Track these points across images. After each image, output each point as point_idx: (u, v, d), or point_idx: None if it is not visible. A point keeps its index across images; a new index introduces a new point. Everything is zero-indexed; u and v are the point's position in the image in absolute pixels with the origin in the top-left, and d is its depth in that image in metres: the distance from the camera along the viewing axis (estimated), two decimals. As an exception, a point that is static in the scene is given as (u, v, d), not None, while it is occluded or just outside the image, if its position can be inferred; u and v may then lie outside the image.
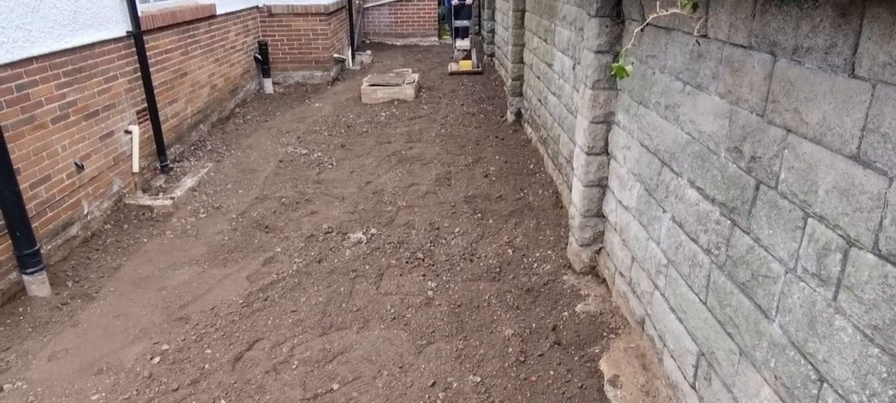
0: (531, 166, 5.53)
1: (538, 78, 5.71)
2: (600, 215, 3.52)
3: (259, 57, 8.67)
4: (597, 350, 2.95)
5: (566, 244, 3.99)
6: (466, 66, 9.34)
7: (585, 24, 3.37)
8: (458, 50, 10.56)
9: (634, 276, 3.00)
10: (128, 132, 4.96)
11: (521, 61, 6.71)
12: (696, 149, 2.30)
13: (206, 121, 6.82)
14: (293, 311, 3.39)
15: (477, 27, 10.83)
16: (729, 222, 2.05)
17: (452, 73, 9.27)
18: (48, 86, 3.96)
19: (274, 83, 9.08)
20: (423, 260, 3.92)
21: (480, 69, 9.37)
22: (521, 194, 4.93)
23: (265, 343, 3.11)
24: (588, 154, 3.41)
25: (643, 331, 2.91)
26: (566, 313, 3.28)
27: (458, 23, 10.93)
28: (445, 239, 4.21)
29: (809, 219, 1.62)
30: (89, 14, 4.43)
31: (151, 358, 3.02)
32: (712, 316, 2.18)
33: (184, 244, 4.28)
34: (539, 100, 5.68)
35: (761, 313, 1.86)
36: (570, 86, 4.35)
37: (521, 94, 6.80)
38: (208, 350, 3.07)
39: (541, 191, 4.94)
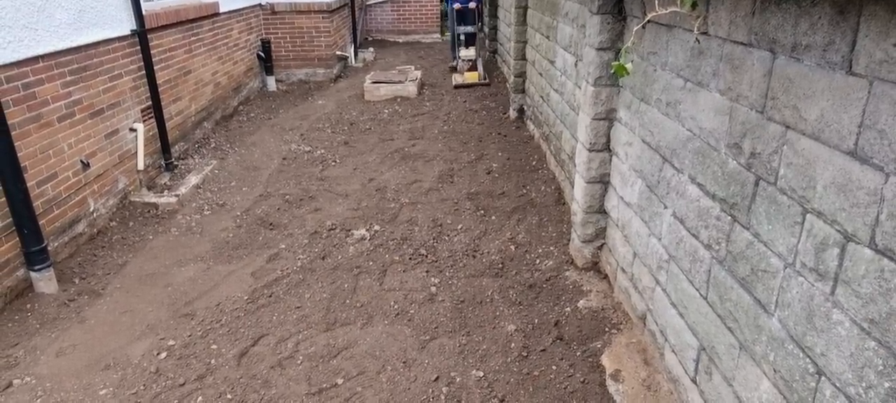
0: (533, 163, 5.55)
1: (540, 74, 5.72)
2: (602, 211, 3.54)
3: (262, 54, 8.69)
4: (599, 346, 2.98)
5: (568, 240, 4.01)
6: (472, 77, 8.87)
7: (587, 21, 3.38)
8: (463, 60, 9.57)
9: (636, 272, 3.03)
10: (132, 130, 4.99)
11: (524, 58, 6.72)
12: (696, 145, 2.32)
13: (210, 118, 6.85)
14: (298, 307, 3.42)
15: (479, 24, 10.59)
16: (729, 218, 2.07)
17: (458, 86, 8.83)
18: (54, 85, 3.99)
19: (277, 81, 9.11)
20: (426, 256, 3.95)
21: (488, 81, 8.90)
22: (524, 191, 4.94)
23: (270, 339, 3.15)
24: (590, 150, 3.42)
25: (645, 326, 2.93)
26: (568, 308, 3.30)
27: (463, 29, 9.64)
28: (448, 235, 4.24)
29: (808, 215, 1.64)
30: (94, 13, 4.46)
31: (158, 354, 3.06)
32: (713, 310, 2.20)
33: (189, 241, 4.32)
34: (541, 97, 5.69)
35: (761, 307, 1.88)
36: (573, 83, 4.36)
37: (523, 91, 6.81)
38: (214, 346, 3.11)
39: (543, 188, 4.95)
